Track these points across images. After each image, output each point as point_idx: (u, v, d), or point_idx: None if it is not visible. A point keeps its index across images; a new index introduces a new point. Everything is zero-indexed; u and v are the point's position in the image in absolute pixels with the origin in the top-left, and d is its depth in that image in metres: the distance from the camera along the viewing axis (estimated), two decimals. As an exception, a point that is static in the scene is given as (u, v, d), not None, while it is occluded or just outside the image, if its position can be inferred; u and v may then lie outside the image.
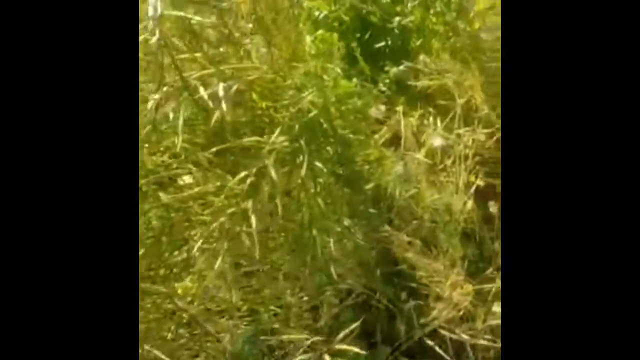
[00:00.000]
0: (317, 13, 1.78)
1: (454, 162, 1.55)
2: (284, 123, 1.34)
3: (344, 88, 1.56)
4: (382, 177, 1.46)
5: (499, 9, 1.64)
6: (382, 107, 1.57)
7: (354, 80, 1.69)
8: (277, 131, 1.26)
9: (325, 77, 1.49)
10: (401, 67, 1.72)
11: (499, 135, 1.66)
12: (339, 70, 1.54)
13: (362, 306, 1.41)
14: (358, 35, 1.78)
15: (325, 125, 1.39)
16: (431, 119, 1.57)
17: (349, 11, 1.78)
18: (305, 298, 1.36)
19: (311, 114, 1.38)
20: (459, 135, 1.52)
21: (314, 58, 1.59)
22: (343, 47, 1.79)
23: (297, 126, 1.35)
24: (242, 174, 1.21)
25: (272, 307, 1.37)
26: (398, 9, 1.72)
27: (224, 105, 1.32)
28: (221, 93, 1.33)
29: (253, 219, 1.14)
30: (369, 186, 1.44)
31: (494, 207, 1.62)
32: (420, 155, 1.51)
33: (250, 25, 1.47)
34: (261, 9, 1.50)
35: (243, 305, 1.35)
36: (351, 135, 1.51)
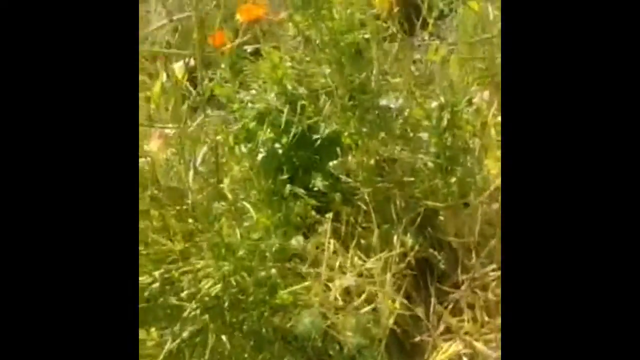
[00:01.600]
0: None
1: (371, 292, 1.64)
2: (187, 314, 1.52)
3: (262, 224, 1.66)
4: (294, 325, 1.59)
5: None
6: (300, 239, 1.66)
7: (287, 188, 1.77)
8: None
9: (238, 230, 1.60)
10: (334, 162, 1.78)
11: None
12: (253, 213, 1.64)
13: None
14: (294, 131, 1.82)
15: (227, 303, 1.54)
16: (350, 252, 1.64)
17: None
18: None
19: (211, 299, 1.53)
20: (371, 276, 1.60)
21: (232, 194, 1.69)
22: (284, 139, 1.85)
23: (198, 314, 1.52)
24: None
25: None
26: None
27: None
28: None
29: None
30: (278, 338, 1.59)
31: (421, 311, 1.71)
32: (331, 296, 1.61)
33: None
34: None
35: None
36: (272, 271, 1.64)
